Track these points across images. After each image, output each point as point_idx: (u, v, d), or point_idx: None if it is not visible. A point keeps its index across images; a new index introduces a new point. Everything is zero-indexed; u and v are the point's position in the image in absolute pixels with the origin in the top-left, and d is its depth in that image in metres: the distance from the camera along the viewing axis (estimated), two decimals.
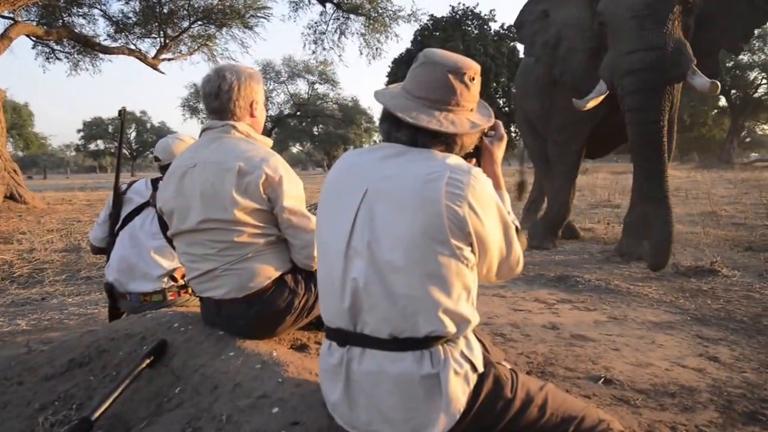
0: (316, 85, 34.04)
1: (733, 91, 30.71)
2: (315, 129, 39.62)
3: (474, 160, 1.32)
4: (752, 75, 30.08)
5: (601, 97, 3.95)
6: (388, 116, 1.15)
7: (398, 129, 1.13)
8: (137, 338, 1.63)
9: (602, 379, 2.03)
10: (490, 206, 1.08)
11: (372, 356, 1.07)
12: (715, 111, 32.30)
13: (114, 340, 1.65)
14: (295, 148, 54.55)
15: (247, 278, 1.57)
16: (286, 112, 35.69)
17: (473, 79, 1.15)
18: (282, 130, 38.89)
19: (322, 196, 1.20)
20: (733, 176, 16.78)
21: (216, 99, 1.61)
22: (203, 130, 1.69)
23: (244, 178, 1.52)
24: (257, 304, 1.60)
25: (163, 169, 2.23)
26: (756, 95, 31.00)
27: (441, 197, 1.02)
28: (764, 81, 30.37)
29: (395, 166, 1.09)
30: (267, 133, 35.85)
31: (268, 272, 1.60)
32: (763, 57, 28.69)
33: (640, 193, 4.15)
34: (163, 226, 2.12)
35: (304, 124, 38.27)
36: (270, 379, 1.38)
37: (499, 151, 1.33)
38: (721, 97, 30.48)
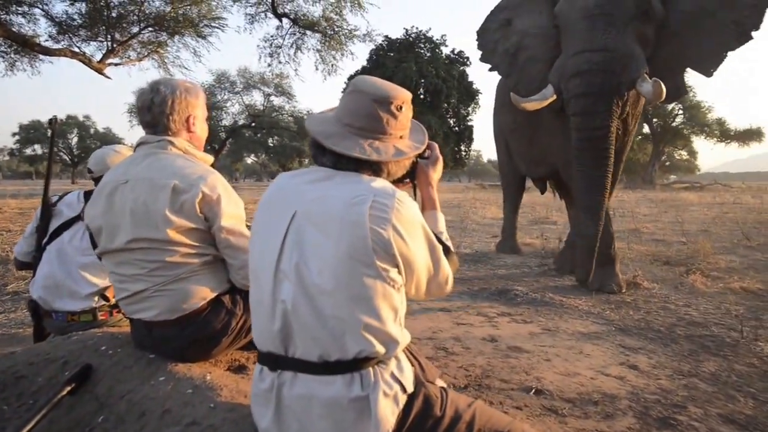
0: (272, 97, 33.79)
1: (654, 120, 34.42)
2: (270, 140, 39.15)
3: (409, 182, 1.36)
4: (670, 106, 33.27)
5: (546, 102, 3.73)
6: (315, 141, 1.17)
7: (323, 154, 1.16)
8: (59, 363, 1.55)
9: (533, 390, 2.13)
10: (415, 228, 1.11)
11: (303, 380, 1.07)
12: (640, 137, 35.31)
13: (33, 364, 1.55)
14: (250, 159, 53.66)
15: (180, 299, 1.54)
16: (241, 122, 35.11)
17: (401, 108, 1.18)
18: (236, 140, 38.19)
19: (254, 217, 1.21)
20: (654, 196, 18.12)
21: (148, 112, 1.58)
22: (138, 145, 1.64)
23: (179, 196, 1.49)
24: (191, 325, 1.56)
25: (97, 181, 2.15)
26: (674, 124, 34.87)
27: (365, 220, 1.04)
28: (681, 111, 33.94)
29: (323, 189, 1.11)
30: (221, 143, 35.04)
31: (203, 293, 1.57)
32: None
33: (576, 202, 3.87)
34: (95, 242, 2.05)
35: (259, 135, 37.73)
36: (201, 404, 1.34)
37: (435, 173, 1.37)
38: (644, 124, 33.58)
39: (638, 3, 3.46)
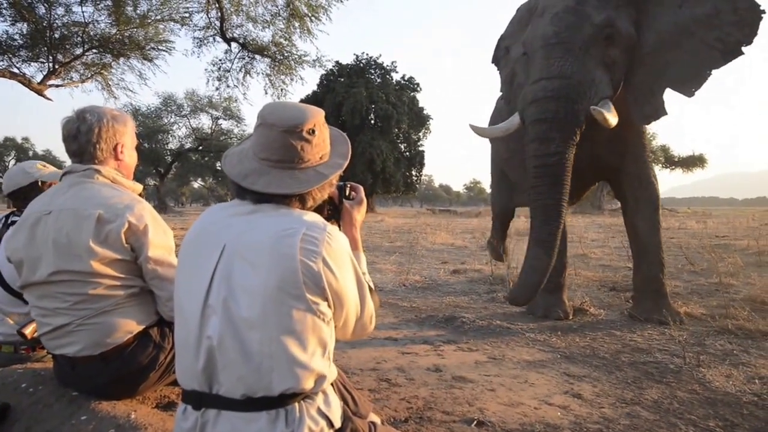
0: (220, 121, 33.43)
1: None
2: (218, 164, 38.42)
3: (335, 222, 1.36)
4: None
5: (512, 129, 3.76)
6: (234, 182, 1.15)
7: (246, 192, 1.14)
8: None
9: (475, 422, 2.10)
10: (345, 263, 1.11)
11: (227, 418, 1.03)
12: None
13: None
14: (197, 183, 52.34)
15: (104, 333, 1.47)
16: (188, 146, 34.37)
17: (313, 131, 1.14)
18: (183, 164, 37.27)
19: (180, 254, 1.17)
20: (602, 221, 18.84)
21: (74, 141, 1.55)
22: (64, 174, 1.59)
23: (104, 227, 1.44)
24: (116, 360, 1.50)
25: (14, 202, 2.11)
26: None
27: (296, 253, 1.03)
28: None
29: (252, 222, 1.10)
30: (167, 166, 33.96)
31: (129, 326, 1.51)
32: None
33: (530, 233, 3.73)
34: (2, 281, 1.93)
35: (206, 158, 37.00)
36: None
37: (359, 214, 1.39)
38: None
39: (600, 28, 3.46)
